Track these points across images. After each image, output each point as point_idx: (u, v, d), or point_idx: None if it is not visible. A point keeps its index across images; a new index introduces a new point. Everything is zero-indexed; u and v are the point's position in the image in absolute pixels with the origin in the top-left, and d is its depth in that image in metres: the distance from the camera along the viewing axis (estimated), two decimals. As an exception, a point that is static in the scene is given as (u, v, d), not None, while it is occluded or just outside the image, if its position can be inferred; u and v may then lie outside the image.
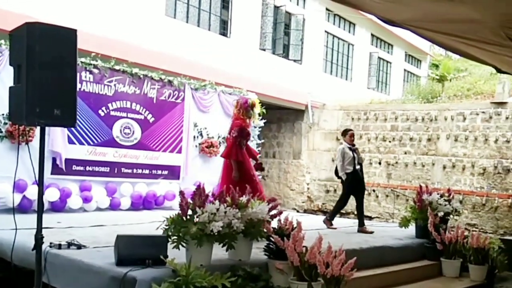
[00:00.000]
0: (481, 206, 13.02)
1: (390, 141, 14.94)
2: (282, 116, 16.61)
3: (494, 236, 11.07)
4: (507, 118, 12.96)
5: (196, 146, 11.31)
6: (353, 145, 9.18)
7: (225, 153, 7.42)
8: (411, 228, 8.52)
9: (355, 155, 9.02)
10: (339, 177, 9.21)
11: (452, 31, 4.93)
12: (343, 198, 9.40)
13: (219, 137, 11.60)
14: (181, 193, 5.17)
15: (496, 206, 12.78)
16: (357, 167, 9.01)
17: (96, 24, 10.50)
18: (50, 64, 4.35)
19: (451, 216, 8.58)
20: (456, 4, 4.05)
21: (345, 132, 9.40)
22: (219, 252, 5.26)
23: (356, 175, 9.02)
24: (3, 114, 8.33)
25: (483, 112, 13.39)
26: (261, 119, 12.56)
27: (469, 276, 7.57)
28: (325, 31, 19.20)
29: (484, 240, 7.72)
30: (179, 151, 10.95)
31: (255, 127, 12.32)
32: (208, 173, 11.06)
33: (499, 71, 6.83)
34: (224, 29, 14.63)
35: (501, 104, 13.17)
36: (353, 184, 9.06)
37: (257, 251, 5.64)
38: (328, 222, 9.18)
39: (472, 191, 13.29)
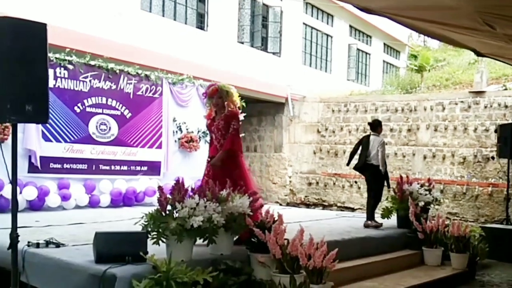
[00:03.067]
0: (461, 195, 13.12)
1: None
2: (262, 110, 16.55)
3: (475, 224, 11.18)
4: (485, 107, 13.06)
5: (175, 141, 11.23)
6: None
7: (226, 144, 6.27)
8: (393, 218, 8.55)
9: None
10: (362, 169, 8.74)
11: (429, 17, 4.93)
12: (380, 192, 8.81)
13: (198, 131, 11.52)
14: (160, 188, 5.11)
15: (476, 195, 12.89)
16: None
17: (70, 19, 10.31)
18: (20, 59, 4.27)
19: (432, 205, 8.63)
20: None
21: (379, 123, 8.93)
22: (200, 247, 5.21)
23: None
24: (-24, 113, 8.15)
25: (462, 102, 13.48)
26: (241, 113, 12.48)
27: (451, 264, 7.64)
28: (303, 23, 19.16)
29: (465, 228, 7.78)
30: (159, 147, 10.86)
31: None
32: (189, 168, 11.00)
33: (478, 54, 6.85)
34: (201, 22, 14.50)
35: (480, 93, 13.27)
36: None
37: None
38: (371, 222, 8.49)
39: (452, 180, 13.38)
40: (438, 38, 7.52)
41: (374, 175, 8.59)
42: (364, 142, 8.74)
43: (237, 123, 6.46)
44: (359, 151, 8.81)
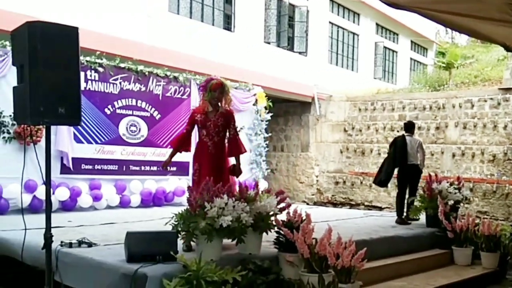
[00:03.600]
0: (491, 193, 12.93)
1: (398, 131, 14.83)
2: (289, 109, 16.56)
3: (505, 223, 11.00)
4: (515, 104, 12.87)
5: (203, 141, 11.27)
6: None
7: (238, 148, 6.33)
8: (422, 218, 8.49)
9: None
10: (405, 169, 8.88)
11: (458, 9, 4.86)
12: (417, 189, 9.06)
13: (226, 131, 11.57)
14: (189, 188, 5.17)
15: (507, 193, 12.70)
16: None
17: (100, 23, 10.49)
18: (52, 62, 4.32)
19: (462, 204, 8.56)
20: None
21: (413, 125, 9.36)
22: (229, 246, 5.27)
23: None
24: (10, 116, 8.37)
25: (491, 99, 13.28)
26: (268, 113, 12.56)
27: (481, 263, 7.55)
28: (330, 22, 19.10)
29: (496, 227, 7.69)
30: (187, 147, 10.93)
31: (262, 120, 12.32)
32: (217, 168, 11.06)
33: (508, 49, 6.74)
34: (228, 23, 14.59)
35: (509, 90, 13.06)
36: None
37: (267, 244, 5.64)
38: (403, 218, 8.72)
39: (482, 179, 13.20)
40: (466, 33, 7.42)
41: (414, 174, 8.91)
42: (399, 143, 8.81)
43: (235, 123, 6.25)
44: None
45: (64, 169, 9.17)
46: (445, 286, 6.53)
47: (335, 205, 15.56)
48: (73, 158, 9.21)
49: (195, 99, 11.01)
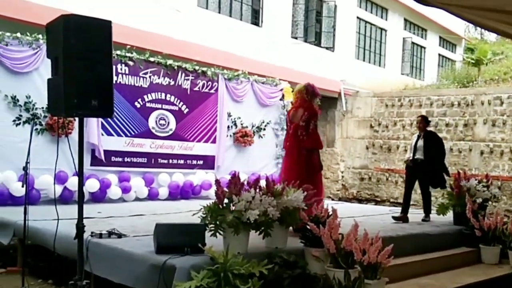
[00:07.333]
0: (520, 192, 12.77)
1: (426, 127, 14.76)
2: (315, 104, 16.54)
3: (534, 222, 10.84)
4: (546, 101, 12.67)
5: (230, 136, 11.37)
6: None
7: (311, 142, 6.85)
8: (449, 215, 8.43)
9: None
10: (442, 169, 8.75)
11: (488, 7, 4.80)
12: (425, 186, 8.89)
13: (253, 126, 11.64)
14: (217, 182, 5.19)
15: (536, 192, 12.53)
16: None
17: (131, 17, 10.63)
18: (86, 55, 4.34)
19: (490, 202, 8.45)
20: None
21: (426, 119, 9.05)
22: (255, 240, 5.29)
23: None
24: (42, 108, 8.55)
25: (521, 96, 13.10)
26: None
27: (509, 262, 7.46)
28: (357, 17, 19.00)
29: (525, 226, 7.59)
30: (214, 141, 11.03)
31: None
32: (243, 162, 11.15)
33: None
34: (255, 18, 14.64)
35: (540, 87, 12.87)
36: None
37: (293, 238, 5.66)
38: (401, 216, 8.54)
39: (510, 177, 13.02)
40: (496, 31, 7.30)
41: (420, 170, 8.67)
42: (428, 138, 8.72)
43: None
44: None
45: (95, 161, 9.32)
46: (472, 285, 6.46)
47: (360, 201, 15.51)
48: (104, 151, 9.37)
49: (222, 93, 11.09)
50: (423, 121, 8.89)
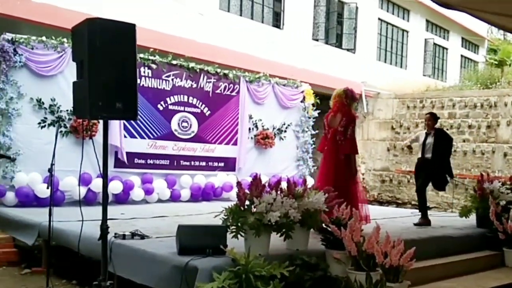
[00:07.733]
0: (545, 195, 12.56)
1: (447, 129, 14.56)
2: (336, 106, 16.49)
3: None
4: None
5: (251, 138, 11.41)
6: None
7: (349, 148, 6.82)
8: (471, 218, 8.34)
9: None
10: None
11: (509, 11, 4.77)
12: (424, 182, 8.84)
13: (274, 128, 11.67)
14: (239, 184, 5.20)
15: (561, 195, 12.30)
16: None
17: (154, 20, 10.74)
18: (111, 58, 4.38)
19: (514, 205, 8.35)
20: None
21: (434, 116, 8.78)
22: (276, 241, 5.30)
23: None
24: (67, 110, 8.68)
25: (546, 98, 12.93)
26: (315, 110, 12.56)
27: (534, 266, 7.38)
28: (379, 19, 18.92)
29: (549, 229, 7.48)
30: (235, 143, 11.08)
31: (309, 117, 12.35)
32: (264, 165, 11.18)
33: None
34: (277, 20, 14.67)
35: None
36: None
37: (315, 241, 5.66)
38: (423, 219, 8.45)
39: (535, 179, 12.83)
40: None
41: (426, 168, 8.60)
42: (438, 136, 8.57)
43: None
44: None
45: (118, 163, 9.41)
46: (495, 288, 6.42)
47: (381, 203, 15.42)
48: (126, 153, 9.47)
49: (243, 96, 11.14)
50: (432, 118, 8.63)
